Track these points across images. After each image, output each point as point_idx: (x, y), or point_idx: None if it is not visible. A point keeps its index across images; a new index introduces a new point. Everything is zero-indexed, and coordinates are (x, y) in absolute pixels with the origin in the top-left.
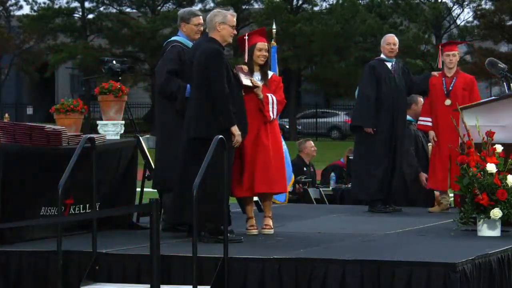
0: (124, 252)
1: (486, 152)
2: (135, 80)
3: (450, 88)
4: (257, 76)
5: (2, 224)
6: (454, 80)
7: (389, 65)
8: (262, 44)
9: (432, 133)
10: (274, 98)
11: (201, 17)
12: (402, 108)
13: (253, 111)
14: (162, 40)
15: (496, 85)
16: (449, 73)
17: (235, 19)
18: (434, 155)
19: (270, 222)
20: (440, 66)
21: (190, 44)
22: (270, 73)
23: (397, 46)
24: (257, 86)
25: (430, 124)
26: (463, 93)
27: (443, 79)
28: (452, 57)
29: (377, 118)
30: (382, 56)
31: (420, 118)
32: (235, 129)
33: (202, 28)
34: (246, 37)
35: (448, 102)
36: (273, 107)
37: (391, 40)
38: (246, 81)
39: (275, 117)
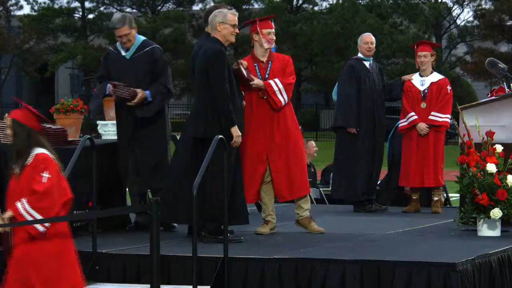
0: (124, 252)
1: (486, 152)
2: None
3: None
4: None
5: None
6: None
7: (367, 64)
8: None
9: None
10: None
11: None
12: (381, 108)
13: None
14: (163, 40)
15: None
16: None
17: (236, 18)
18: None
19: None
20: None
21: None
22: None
23: (374, 45)
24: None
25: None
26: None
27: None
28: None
29: (359, 117)
30: (360, 55)
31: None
32: (235, 130)
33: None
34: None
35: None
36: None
37: (368, 39)
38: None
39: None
